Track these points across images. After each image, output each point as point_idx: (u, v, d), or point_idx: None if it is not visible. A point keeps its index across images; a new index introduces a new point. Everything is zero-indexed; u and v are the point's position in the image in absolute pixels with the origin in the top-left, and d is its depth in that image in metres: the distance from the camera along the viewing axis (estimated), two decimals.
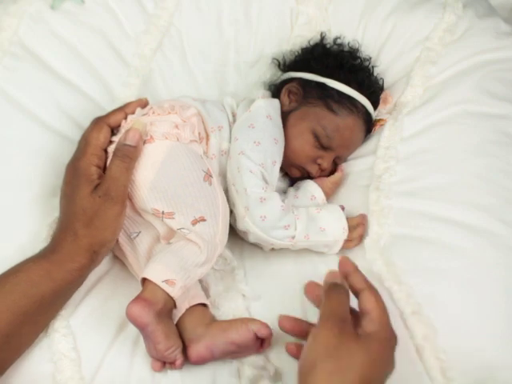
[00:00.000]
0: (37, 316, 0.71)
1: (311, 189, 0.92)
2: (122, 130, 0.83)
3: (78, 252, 0.73)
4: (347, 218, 0.86)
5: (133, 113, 0.84)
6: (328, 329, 0.62)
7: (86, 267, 0.74)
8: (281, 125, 0.94)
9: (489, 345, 0.75)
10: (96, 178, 0.77)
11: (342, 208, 0.88)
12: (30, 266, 0.72)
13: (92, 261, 0.74)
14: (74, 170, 0.79)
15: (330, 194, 0.94)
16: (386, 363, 0.63)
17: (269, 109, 0.93)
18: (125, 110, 0.85)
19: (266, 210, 0.83)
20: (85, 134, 0.82)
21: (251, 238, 0.87)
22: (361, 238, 0.87)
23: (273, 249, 0.88)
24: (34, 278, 0.71)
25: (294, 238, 0.84)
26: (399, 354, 0.74)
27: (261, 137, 0.88)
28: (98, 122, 0.83)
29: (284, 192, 0.95)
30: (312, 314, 0.78)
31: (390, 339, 0.64)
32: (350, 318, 0.64)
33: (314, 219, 0.85)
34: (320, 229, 0.84)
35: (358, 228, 0.87)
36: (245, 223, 0.83)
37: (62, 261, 0.72)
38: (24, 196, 0.84)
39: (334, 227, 0.85)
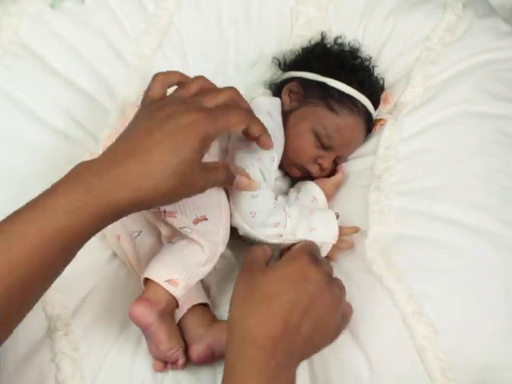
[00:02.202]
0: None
1: (312, 191, 0.92)
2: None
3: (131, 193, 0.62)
4: (340, 227, 0.86)
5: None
6: (241, 271, 0.66)
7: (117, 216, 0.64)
8: (281, 123, 0.94)
9: (489, 345, 0.75)
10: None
11: (337, 216, 0.87)
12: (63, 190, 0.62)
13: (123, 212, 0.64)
14: (187, 121, 0.64)
15: (331, 196, 0.94)
16: (296, 282, 0.63)
17: (269, 106, 0.94)
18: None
19: (256, 206, 0.82)
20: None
21: (240, 232, 0.86)
22: (347, 248, 0.86)
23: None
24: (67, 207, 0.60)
25: (281, 236, 0.83)
26: (399, 354, 0.75)
27: None
28: None
29: (285, 193, 0.95)
30: None
31: (295, 259, 0.64)
32: (261, 261, 0.67)
33: (305, 218, 0.84)
34: (309, 228, 0.84)
35: (348, 241, 0.86)
36: (234, 219, 0.83)
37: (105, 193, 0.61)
38: (23, 196, 0.83)
39: (324, 230, 0.84)
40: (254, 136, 0.73)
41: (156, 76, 0.71)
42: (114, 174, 0.61)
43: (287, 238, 0.83)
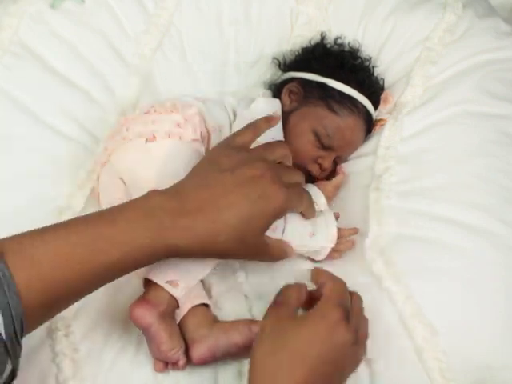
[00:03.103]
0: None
1: (313, 194, 0.91)
2: (123, 129, 0.83)
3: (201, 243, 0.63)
4: (339, 228, 0.85)
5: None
6: (267, 315, 0.64)
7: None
8: (281, 124, 0.94)
9: (489, 345, 0.75)
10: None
11: (337, 216, 0.87)
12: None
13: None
14: (270, 187, 0.66)
15: (331, 198, 0.94)
16: (324, 341, 0.61)
17: (269, 108, 0.93)
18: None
19: None
20: None
21: None
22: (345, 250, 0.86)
23: None
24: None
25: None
26: (398, 354, 0.75)
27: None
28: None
29: None
30: None
31: (325, 316, 0.62)
32: (291, 304, 0.65)
33: (304, 223, 0.84)
34: (308, 233, 0.83)
35: (347, 242, 0.85)
36: None
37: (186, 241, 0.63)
38: (23, 195, 0.84)
39: (323, 234, 0.83)
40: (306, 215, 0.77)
41: (254, 123, 0.74)
42: (185, 221, 0.62)
43: (287, 240, 0.82)
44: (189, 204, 0.63)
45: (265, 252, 0.70)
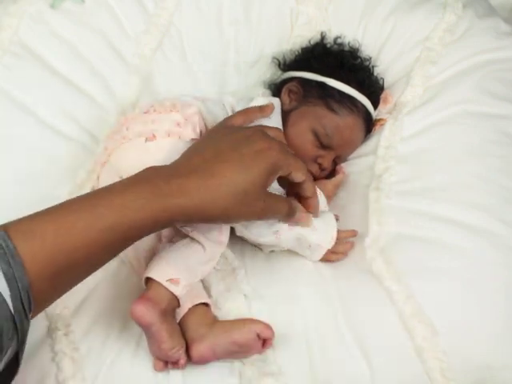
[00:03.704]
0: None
1: None
2: (123, 128, 0.83)
3: (203, 208, 0.63)
4: (338, 230, 0.85)
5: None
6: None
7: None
8: (280, 124, 0.94)
9: (489, 345, 0.75)
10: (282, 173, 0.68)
11: (337, 218, 0.87)
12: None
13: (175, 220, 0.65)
14: (261, 147, 0.66)
15: (331, 197, 0.94)
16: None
17: None
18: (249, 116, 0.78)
19: None
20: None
21: (237, 233, 0.86)
22: (345, 254, 0.86)
23: (273, 251, 0.88)
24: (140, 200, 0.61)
25: (277, 231, 0.81)
26: (398, 354, 0.75)
27: None
28: None
29: (285, 194, 0.95)
30: (313, 313, 0.79)
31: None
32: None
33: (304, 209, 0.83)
34: (313, 227, 0.83)
35: (345, 244, 0.86)
36: None
37: (184, 208, 0.62)
38: (23, 195, 0.84)
39: (323, 233, 0.83)
40: (305, 195, 0.75)
41: (245, 110, 0.76)
42: (177, 182, 0.62)
43: (283, 236, 0.82)
44: (180, 168, 0.65)
45: (270, 207, 0.68)
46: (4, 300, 0.53)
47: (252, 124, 0.79)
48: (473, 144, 0.89)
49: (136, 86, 0.97)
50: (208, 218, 0.65)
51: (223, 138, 0.67)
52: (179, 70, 1.02)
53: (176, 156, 0.80)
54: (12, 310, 0.53)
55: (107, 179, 0.84)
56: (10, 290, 0.53)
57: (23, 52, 0.91)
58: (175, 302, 0.72)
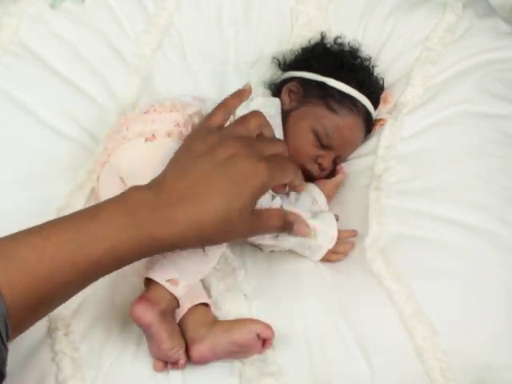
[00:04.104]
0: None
1: (313, 192, 0.91)
2: (123, 128, 0.83)
3: (186, 231, 0.62)
4: (338, 230, 0.85)
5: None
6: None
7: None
8: (280, 124, 0.94)
9: (489, 345, 0.75)
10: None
11: (337, 218, 0.87)
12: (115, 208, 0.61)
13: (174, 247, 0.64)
14: (249, 163, 0.64)
15: (331, 197, 0.94)
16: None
17: (268, 107, 0.94)
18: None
19: None
20: None
21: None
22: (346, 254, 0.86)
23: (273, 251, 0.88)
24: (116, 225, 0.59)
25: (277, 236, 0.81)
26: (398, 354, 0.75)
27: None
28: None
29: (286, 193, 0.95)
30: (313, 313, 0.79)
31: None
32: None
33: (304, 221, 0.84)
34: (312, 228, 0.83)
35: (346, 244, 0.86)
36: None
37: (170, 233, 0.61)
38: (23, 195, 0.84)
39: (323, 234, 0.83)
40: (294, 186, 0.73)
41: (224, 102, 0.72)
42: (166, 213, 0.61)
43: (284, 238, 0.82)
44: (167, 195, 0.62)
45: (259, 226, 0.67)
46: None
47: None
48: (473, 144, 0.89)
49: (136, 86, 0.97)
50: (192, 244, 0.66)
51: (207, 156, 0.65)
52: (179, 69, 1.02)
53: None
54: None
55: (107, 179, 0.84)
56: None
57: (23, 52, 0.91)
58: (175, 302, 0.72)
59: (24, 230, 0.59)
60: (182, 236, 0.61)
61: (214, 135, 0.67)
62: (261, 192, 0.64)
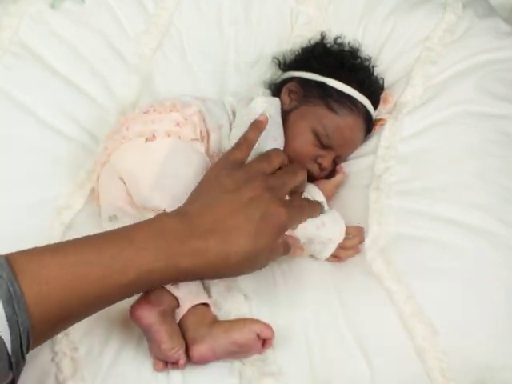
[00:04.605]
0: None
1: (313, 193, 0.91)
2: (123, 128, 0.84)
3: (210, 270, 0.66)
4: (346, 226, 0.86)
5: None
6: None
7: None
8: (280, 123, 0.94)
9: (489, 345, 0.75)
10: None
11: None
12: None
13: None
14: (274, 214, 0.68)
15: (331, 197, 0.94)
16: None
17: (268, 107, 0.93)
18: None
19: None
20: None
21: None
22: (356, 250, 0.86)
23: None
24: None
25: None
26: (398, 354, 0.75)
27: None
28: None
29: None
30: (313, 313, 0.79)
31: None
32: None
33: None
34: (317, 224, 0.84)
35: (354, 238, 0.86)
36: None
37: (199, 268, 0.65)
38: (23, 195, 0.84)
39: (332, 226, 0.84)
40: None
41: (245, 137, 0.76)
42: (196, 245, 0.64)
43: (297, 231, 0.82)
44: (198, 227, 0.65)
45: (272, 257, 0.71)
46: (3, 343, 0.53)
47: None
48: (473, 144, 0.89)
49: (136, 86, 0.97)
50: (221, 276, 0.71)
51: (234, 194, 0.68)
52: (179, 69, 1.02)
53: (176, 156, 0.80)
54: (10, 353, 0.54)
55: (107, 179, 0.84)
56: (11, 335, 0.54)
57: (23, 52, 0.91)
58: (174, 302, 0.72)
59: (52, 245, 0.61)
60: (210, 268, 0.65)
61: (241, 172, 0.71)
62: (282, 231, 0.69)
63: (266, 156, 0.74)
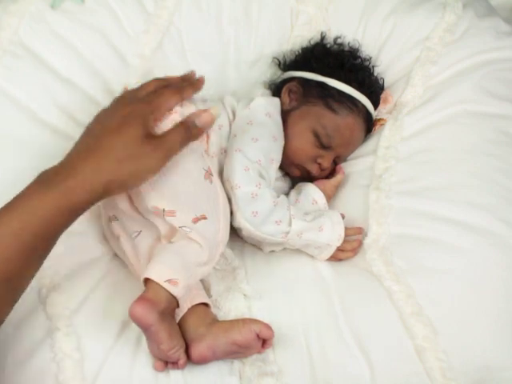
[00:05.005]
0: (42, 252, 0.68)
1: (312, 193, 0.91)
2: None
3: (93, 183, 0.68)
4: (344, 227, 0.86)
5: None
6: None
7: (92, 203, 0.70)
8: (280, 123, 0.94)
9: (489, 345, 0.75)
10: (152, 127, 0.73)
11: (342, 216, 0.87)
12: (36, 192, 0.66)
13: (98, 199, 0.69)
14: (126, 112, 0.73)
15: (331, 197, 0.94)
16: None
17: (268, 107, 0.94)
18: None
19: (257, 205, 0.82)
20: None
21: (244, 234, 0.86)
22: (355, 252, 0.87)
23: (273, 251, 0.88)
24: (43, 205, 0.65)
25: (287, 233, 0.83)
26: (398, 354, 0.75)
27: (258, 134, 0.88)
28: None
29: (286, 193, 0.95)
30: (313, 313, 0.79)
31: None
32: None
33: (312, 220, 0.85)
34: (316, 229, 0.84)
35: (353, 242, 0.86)
36: (236, 219, 0.83)
37: (77, 188, 0.67)
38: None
39: (330, 231, 0.85)
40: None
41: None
42: (68, 165, 0.68)
43: (292, 237, 0.83)
44: (70, 154, 0.70)
45: (165, 146, 0.72)
46: None
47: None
48: (473, 144, 0.89)
49: (136, 85, 0.97)
50: (114, 191, 0.70)
51: (107, 119, 0.73)
52: (179, 70, 1.01)
53: (175, 156, 0.80)
54: None
55: None
56: None
57: (23, 52, 0.91)
58: (174, 302, 0.72)
59: None
60: (98, 186, 0.67)
61: (118, 105, 0.76)
62: (145, 121, 0.71)
63: (139, 85, 0.79)
